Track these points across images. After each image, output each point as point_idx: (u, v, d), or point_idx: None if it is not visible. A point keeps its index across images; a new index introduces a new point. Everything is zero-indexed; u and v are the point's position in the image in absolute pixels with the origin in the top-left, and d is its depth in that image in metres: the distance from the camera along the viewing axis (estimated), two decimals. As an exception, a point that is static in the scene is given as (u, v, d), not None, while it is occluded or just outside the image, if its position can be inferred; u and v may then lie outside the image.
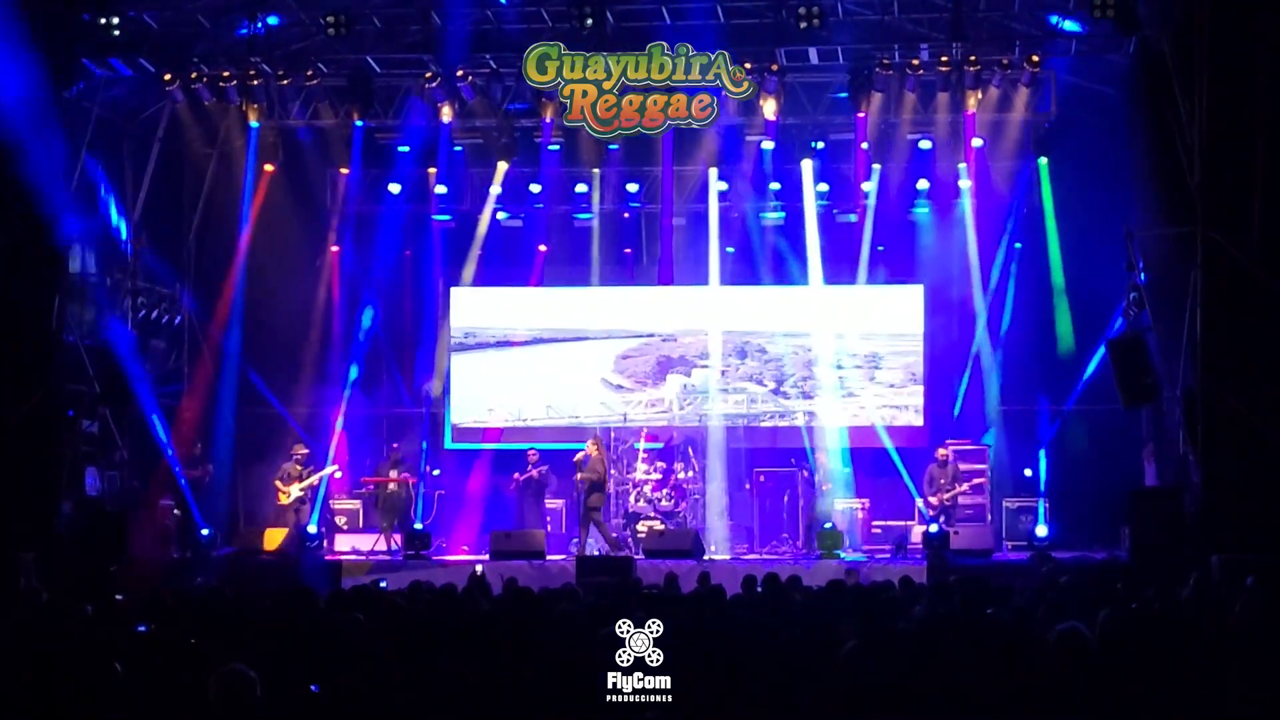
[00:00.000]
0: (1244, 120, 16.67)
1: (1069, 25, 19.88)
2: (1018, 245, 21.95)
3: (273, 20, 20.13)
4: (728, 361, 22.29)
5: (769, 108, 20.13)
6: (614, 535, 20.16)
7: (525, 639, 8.46)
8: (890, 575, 15.58)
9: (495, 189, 22.41)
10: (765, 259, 22.59)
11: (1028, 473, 21.33)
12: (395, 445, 21.78)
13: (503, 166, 22.18)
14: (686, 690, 6.88)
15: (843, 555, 19.03)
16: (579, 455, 20.37)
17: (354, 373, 22.06)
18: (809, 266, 22.06)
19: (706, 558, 18.94)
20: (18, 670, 7.38)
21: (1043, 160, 21.17)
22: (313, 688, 7.20)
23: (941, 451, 20.56)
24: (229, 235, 21.78)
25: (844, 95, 20.61)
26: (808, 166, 21.57)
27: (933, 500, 20.27)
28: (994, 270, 21.88)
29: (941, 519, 19.91)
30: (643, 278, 23.23)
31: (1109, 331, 20.30)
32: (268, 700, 6.59)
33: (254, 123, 21.03)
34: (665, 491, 20.91)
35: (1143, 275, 19.23)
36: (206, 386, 21.78)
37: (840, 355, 22.13)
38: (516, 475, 21.34)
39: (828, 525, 19.73)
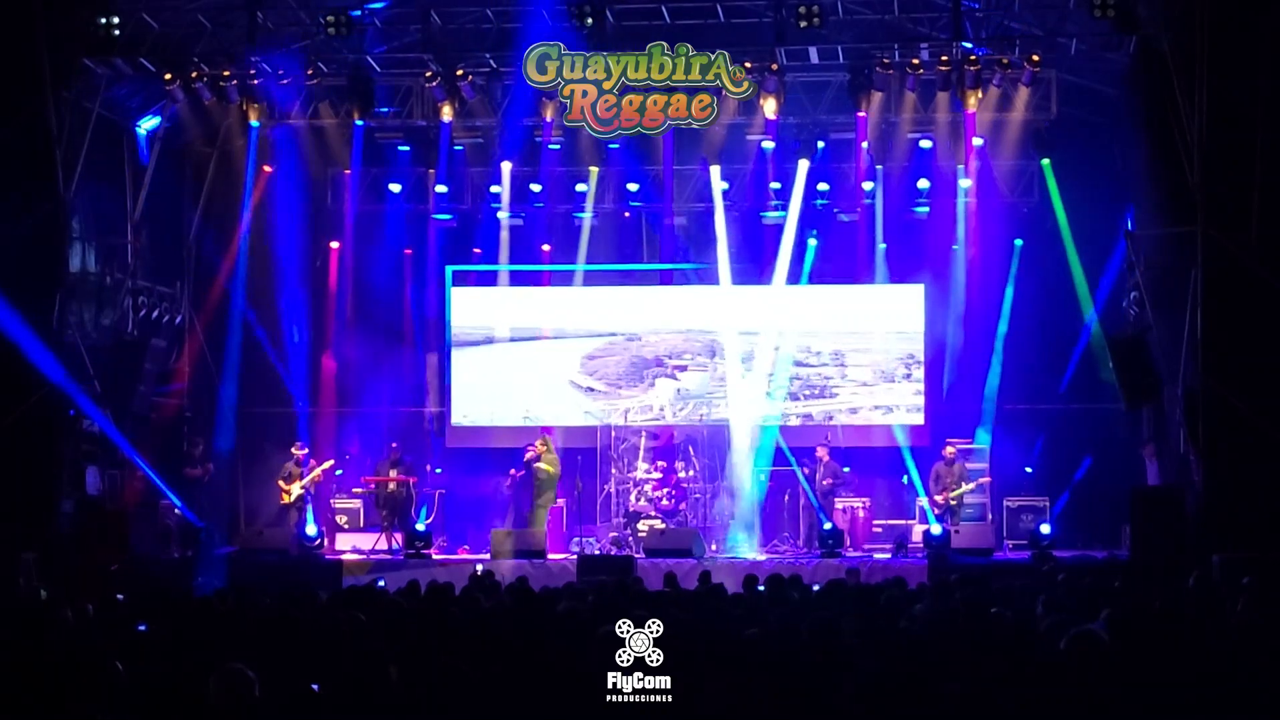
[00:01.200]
0: (1244, 119, 16.68)
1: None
2: (1019, 242, 21.94)
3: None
4: (715, 362, 22.19)
5: (769, 107, 20.11)
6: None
7: (525, 638, 8.46)
8: (891, 574, 15.60)
9: (504, 189, 22.36)
10: (765, 258, 22.52)
11: (1028, 470, 21.34)
12: (394, 444, 21.78)
13: (507, 166, 22.19)
14: (686, 690, 6.87)
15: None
16: (529, 455, 20.43)
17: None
18: (803, 266, 22.13)
19: (707, 556, 18.94)
20: (18, 670, 7.38)
21: (1046, 161, 21.15)
22: (313, 687, 7.20)
23: (949, 450, 20.55)
24: (229, 234, 21.77)
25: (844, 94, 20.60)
26: (803, 167, 21.56)
27: (938, 499, 20.26)
28: (994, 268, 21.89)
29: (947, 518, 19.90)
30: (644, 277, 23.17)
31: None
32: (267, 700, 6.59)
33: (254, 122, 21.02)
34: (666, 490, 20.89)
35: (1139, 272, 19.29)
36: (206, 385, 21.77)
37: (840, 354, 22.10)
38: (513, 471, 21.35)
39: (827, 525, 19.73)
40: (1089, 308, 20.83)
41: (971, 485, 20.49)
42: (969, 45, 19.42)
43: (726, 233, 22.08)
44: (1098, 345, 20.39)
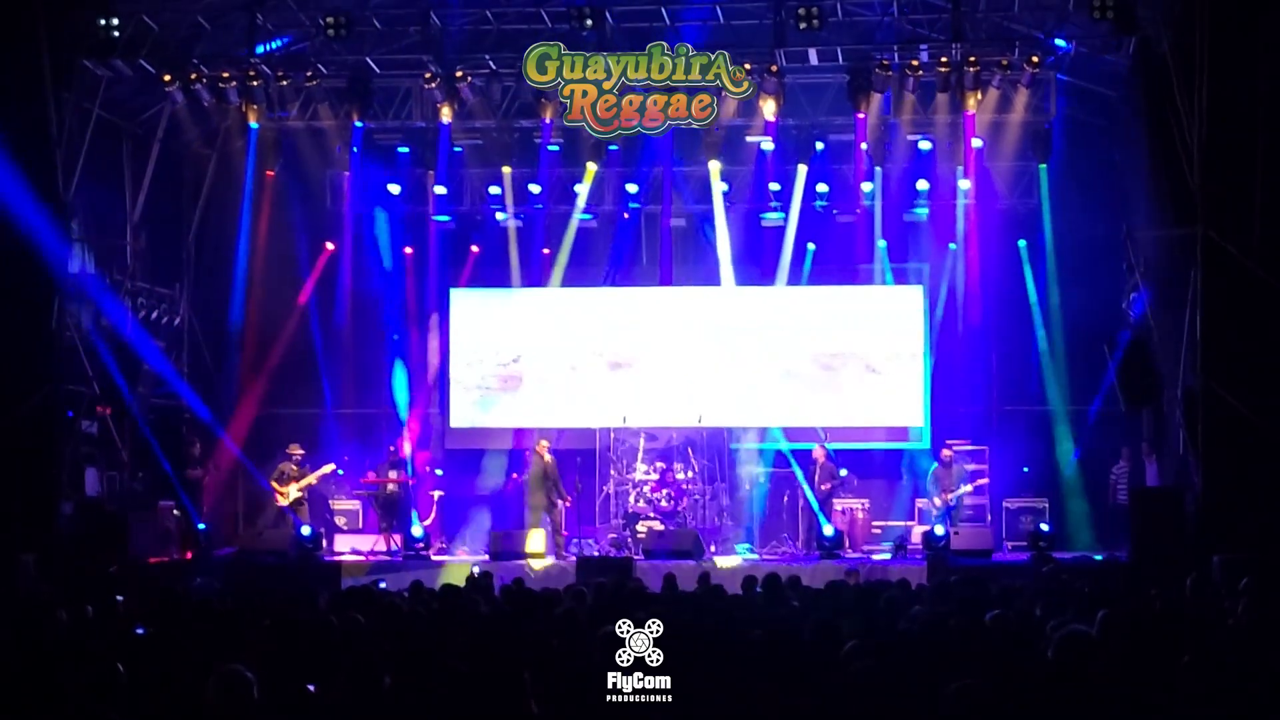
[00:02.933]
0: (1244, 120, 16.67)
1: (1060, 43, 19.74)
2: (1022, 243, 21.94)
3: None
4: (714, 363, 22.14)
5: (769, 108, 20.09)
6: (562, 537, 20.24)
7: (524, 639, 8.45)
8: (890, 576, 15.60)
9: (506, 190, 22.42)
10: (765, 260, 22.51)
11: (1025, 470, 21.34)
12: (391, 447, 21.81)
13: (508, 171, 22.22)
14: (686, 690, 6.86)
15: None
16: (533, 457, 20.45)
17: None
18: (802, 267, 22.17)
19: (706, 558, 18.92)
20: (18, 671, 7.37)
21: (1042, 166, 21.17)
22: (309, 687, 7.19)
23: (946, 452, 20.55)
24: (228, 236, 21.76)
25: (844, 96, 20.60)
26: (802, 172, 21.56)
27: (937, 501, 20.25)
28: (993, 270, 21.90)
29: (947, 519, 19.87)
30: (643, 279, 23.16)
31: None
32: (267, 701, 6.58)
33: (253, 123, 21.02)
34: (665, 492, 20.87)
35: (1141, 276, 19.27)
36: (206, 387, 21.76)
37: (839, 355, 22.04)
38: (515, 475, 21.35)
39: (830, 531, 19.67)
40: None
41: (969, 487, 20.50)
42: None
43: (727, 234, 22.12)
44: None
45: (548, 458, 20.53)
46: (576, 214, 22.48)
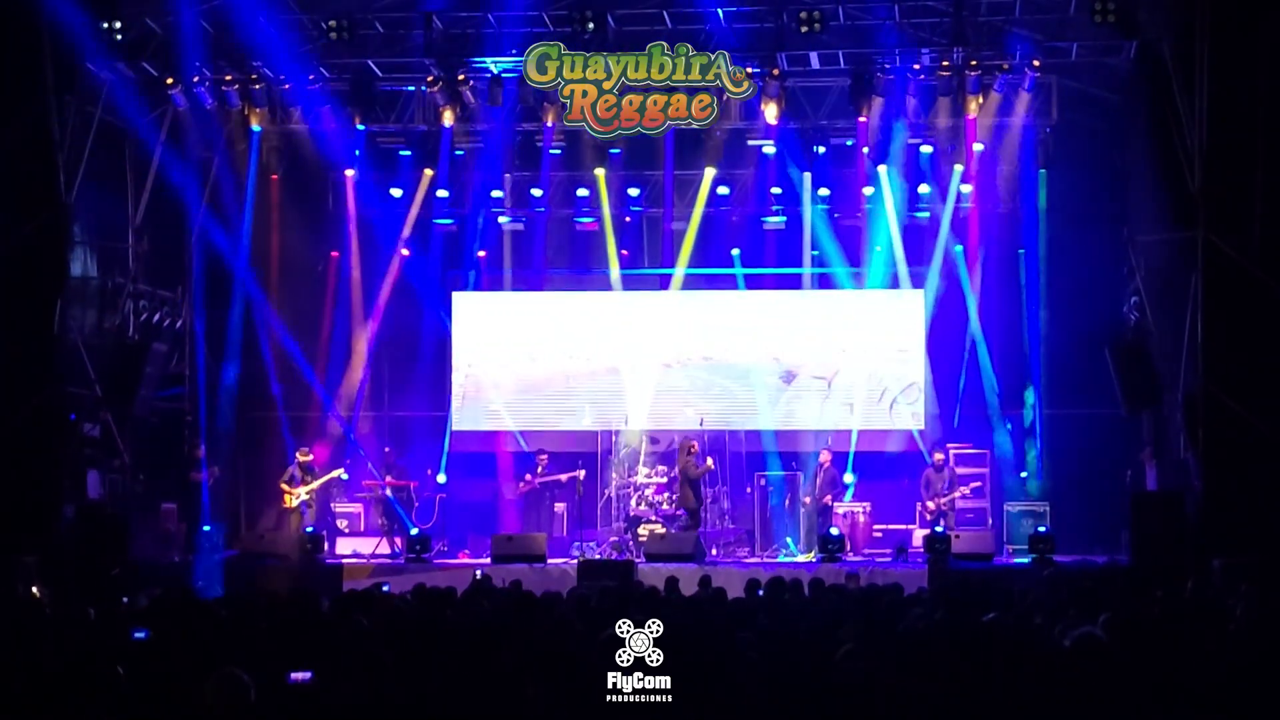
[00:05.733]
0: (1244, 124, 16.70)
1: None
2: (1021, 251, 21.95)
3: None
4: (716, 365, 22.16)
5: (770, 112, 20.12)
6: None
7: (525, 641, 8.46)
8: (891, 579, 15.59)
9: (506, 195, 22.51)
10: (766, 262, 22.53)
11: (1024, 475, 21.34)
12: (387, 449, 21.80)
13: (508, 178, 22.24)
14: (686, 690, 6.87)
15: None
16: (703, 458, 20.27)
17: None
18: (807, 273, 22.18)
19: (707, 561, 18.91)
20: (18, 674, 7.38)
21: (1043, 170, 21.18)
22: (290, 676, 7.20)
23: (938, 456, 20.56)
24: (230, 239, 21.77)
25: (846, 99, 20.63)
26: (808, 179, 21.57)
27: (930, 505, 20.24)
28: (993, 273, 21.91)
29: (940, 523, 19.86)
30: (644, 282, 23.16)
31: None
32: (269, 703, 6.59)
33: (256, 127, 21.05)
34: (667, 495, 20.86)
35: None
36: (208, 389, 21.76)
37: (841, 358, 22.06)
38: (529, 476, 21.36)
39: (835, 531, 19.67)
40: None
41: (965, 490, 20.50)
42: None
43: (723, 238, 22.16)
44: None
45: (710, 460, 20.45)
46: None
